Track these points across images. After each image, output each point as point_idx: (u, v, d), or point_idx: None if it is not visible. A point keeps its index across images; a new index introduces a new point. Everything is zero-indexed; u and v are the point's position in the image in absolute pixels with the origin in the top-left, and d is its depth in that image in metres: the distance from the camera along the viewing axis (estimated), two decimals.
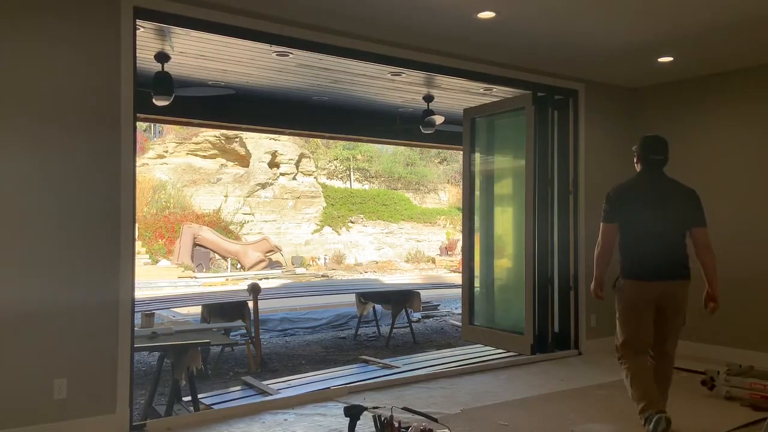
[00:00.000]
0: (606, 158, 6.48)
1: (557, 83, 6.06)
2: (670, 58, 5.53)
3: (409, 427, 2.98)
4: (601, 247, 3.89)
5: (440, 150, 24.95)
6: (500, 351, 6.12)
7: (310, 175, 24.20)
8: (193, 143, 23.15)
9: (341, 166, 26.28)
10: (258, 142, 22.72)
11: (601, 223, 3.93)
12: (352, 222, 23.76)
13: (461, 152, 7.08)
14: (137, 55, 4.00)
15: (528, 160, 5.93)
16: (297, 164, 23.73)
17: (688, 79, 6.23)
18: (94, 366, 3.74)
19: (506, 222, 6.58)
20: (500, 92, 6.61)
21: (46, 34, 3.61)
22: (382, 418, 2.96)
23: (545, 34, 4.87)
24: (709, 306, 3.82)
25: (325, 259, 21.42)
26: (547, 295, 6.00)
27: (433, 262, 22.27)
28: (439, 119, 7.55)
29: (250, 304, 6.58)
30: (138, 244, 16.69)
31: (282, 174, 23.32)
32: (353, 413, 3.05)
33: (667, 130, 6.40)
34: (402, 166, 26.90)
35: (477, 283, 6.70)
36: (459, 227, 6.64)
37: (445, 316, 9.93)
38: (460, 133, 7.06)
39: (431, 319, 9.57)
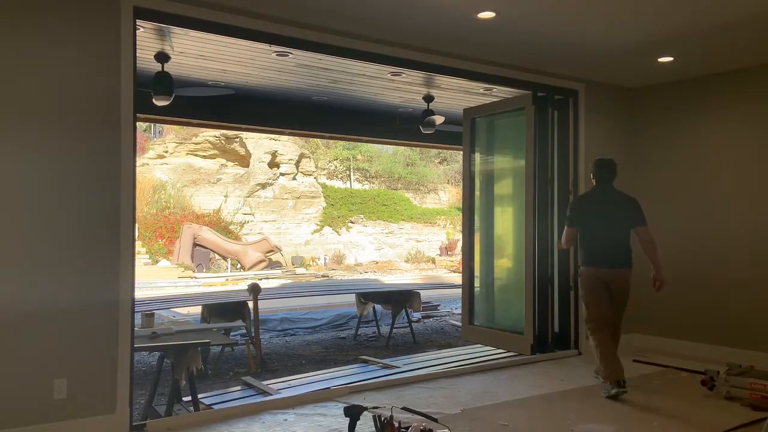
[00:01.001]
0: None
1: (557, 83, 6.06)
2: (670, 58, 5.54)
3: (409, 427, 2.98)
4: (564, 244, 5.15)
5: (440, 150, 24.94)
6: (500, 351, 6.12)
7: (310, 175, 24.20)
8: (193, 143, 23.14)
9: (341, 166, 26.28)
10: (258, 142, 22.72)
11: (565, 226, 5.06)
12: (352, 222, 23.76)
13: (461, 152, 7.07)
14: (137, 55, 4.00)
15: (528, 160, 5.94)
16: (297, 164, 23.73)
17: (688, 79, 6.23)
18: (94, 366, 3.74)
19: (506, 222, 6.59)
20: (500, 92, 6.61)
21: (46, 34, 3.61)
22: (382, 418, 2.96)
23: (545, 34, 4.87)
24: (656, 285, 4.97)
25: (325, 259, 21.42)
26: (547, 295, 6.00)
27: (433, 262, 22.27)
28: (439, 119, 7.55)
29: (250, 304, 6.58)
30: (138, 244, 16.69)
31: (282, 174, 23.32)
32: (353, 413, 3.05)
33: (667, 130, 6.44)
34: (402, 166, 26.90)
35: (477, 283, 6.70)
36: (459, 227, 6.64)
37: (445, 316, 9.93)
38: (460, 133, 7.06)
39: (431, 319, 9.57)
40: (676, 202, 6.31)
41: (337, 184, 25.64)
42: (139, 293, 5.50)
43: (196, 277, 16.45)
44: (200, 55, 5.57)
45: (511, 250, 6.44)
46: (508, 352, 6.04)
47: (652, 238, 4.89)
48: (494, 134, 6.79)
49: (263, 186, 22.89)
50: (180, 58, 5.67)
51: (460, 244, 19.88)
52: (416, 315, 9.22)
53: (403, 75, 6.07)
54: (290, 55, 5.42)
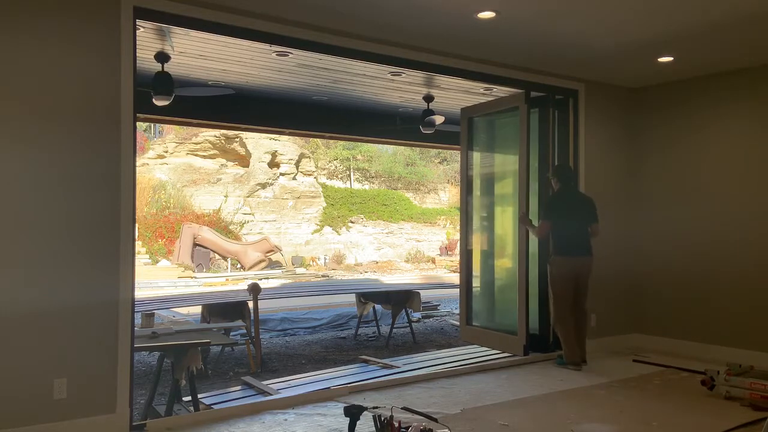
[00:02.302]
0: (606, 158, 6.49)
1: (557, 83, 6.06)
2: (670, 58, 5.54)
3: (409, 427, 2.98)
4: (540, 235, 5.72)
5: (440, 150, 24.94)
6: (500, 351, 6.11)
7: (310, 175, 24.20)
8: (193, 143, 23.15)
9: (341, 166, 26.28)
10: (258, 142, 22.72)
11: (541, 220, 5.66)
12: (352, 222, 23.76)
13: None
14: (137, 55, 4.00)
15: (521, 158, 5.86)
16: (297, 164, 23.73)
17: (688, 79, 6.23)
18: (94, 366, 3.74)
19: (504, 222, 6.57)
20: (500, 92, 6.61)
21: (46, 34, 3.60)
22: (382, 418, 2.96)
23: (545, 34, 4.87)
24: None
25: (325, 259, 21.42)
26: (546, 296, 5.99)
27: (433, 262, 22.27)
28: (439, 119, 7.55)
29: (250, 304, 6.58)
30: (138, 244, 16.70)
31: (282, 174, 23.32)
32: (353, 413, 3.05)
33: (667, 129, 6.44)
34: (402, 166, 26.90)
35: (475, 283, 6.69)
36: (458, 227, 6.66)
37: (445, 316, 9.93)
38: (459, 132, 7.06)
39: (431, 319, 9.57)
40: (676, 202, 6.32)
41: (337, 184, 25.64)
42: (139, 293, 5.51)
43: (196, 277, 16.45)
44: (200, 55, 5.57)
45: (510, 250, 6.43)
46: (504, 352, 6.02)
47: (598, 232, 5.75)
48: (491, 133, 6.77)
49: (263, 186, 22.90)
50: (180, 58, 5.67)
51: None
52: (416, 315, 9.21)
53: (403, 75, 6.07)
54: (290, 55, 5.42)
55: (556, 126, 6.21)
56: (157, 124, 22.20)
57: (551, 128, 6.15)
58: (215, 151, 23.43)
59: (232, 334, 6.96)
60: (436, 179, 27.61)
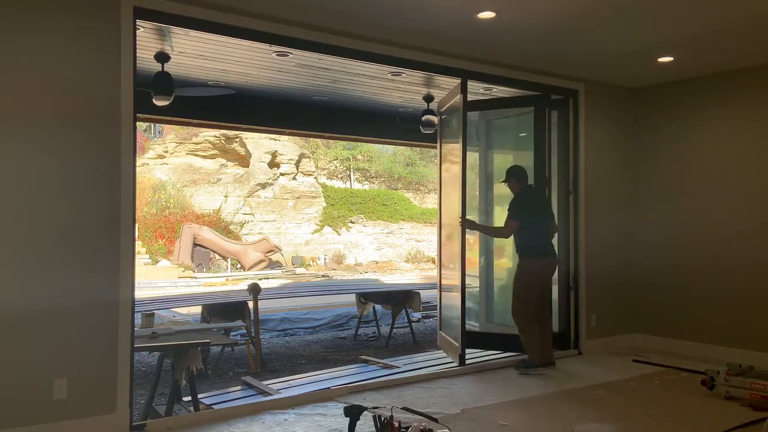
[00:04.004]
0: (606, 158, 6.49)
1: (557, 83, 6.06)
2: (670, 58, 5.54)
3: (409, 427, 2.98)
4: (504, 236, 5.63)
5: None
6: (500, 351, 6.09)
7: (310, 175, 24.20)
8: (193, 143, 23.15)
9: (341, 166, 26.28)
10: (258, 142, 22.72)
11: (511, 219, 5.41)
12: (352, 222, 23.76)
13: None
14: (137, 55, 4.00)
15: (464, 154, 5.54)
16: (297, 164, 23.73)
17: (688, 79, 6.23)
18: (94, 366, 3.74)
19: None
20: (500, 92, 6.61)
21: (45, 34, 3.60)
22: (382, 418, 2.96)
23: (545, 34, 4.87)
24: None
25: (325, 259, 21.41)
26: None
27: (433, 262, 22.26)
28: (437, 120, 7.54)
29: (250, 304, 6.57)
30: (138, 244, 16.70)
31: (282, 174, 23.32)
32: (353, 413, 3.06)
33: (667, 129, 6.44)
34: (402, 166, 26.89)
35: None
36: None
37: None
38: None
39: (431, 319, 9.57)
40: (676, 202, 6.32)
41: (337, 184, 25.64)
42: (139, 293, 5.50)
43: (196, 277, 16.44)
44: (200, 55, 5.57)
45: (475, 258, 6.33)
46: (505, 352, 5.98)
47: (553, 225, 5.72)
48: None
49: (263, 186, 22.89)
50: (180, 58, 5.67)
51: None
52: (416, 315, 9.21)
53: (403, 75, 6.07)
54: (290, 55, 5.42)
55: (553, 127, 6.16)
56: (157, 124, 22.19)
57: (548, 129, 6.06)
58: (215, 151, 23.43)
59: (232, 334, 6.96)
60: (436, 179, 27.53)
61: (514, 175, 5.57)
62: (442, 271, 6.50)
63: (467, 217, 5.55)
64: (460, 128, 5.57)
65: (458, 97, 5.61)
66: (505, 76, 5.75)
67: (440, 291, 6.53)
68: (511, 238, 5.56)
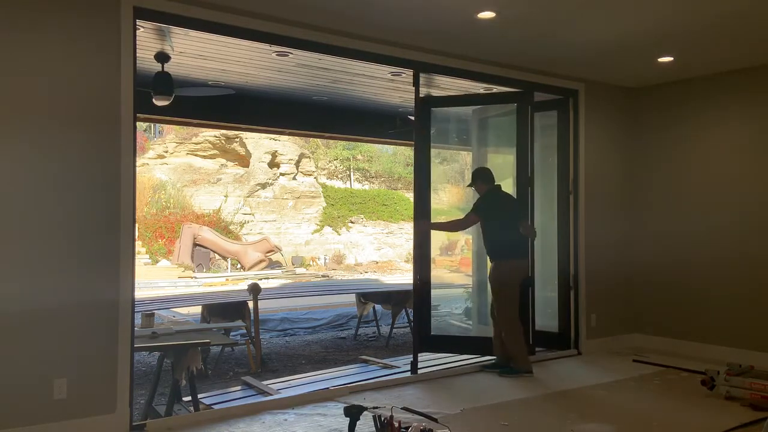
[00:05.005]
0: (606, 158, 6.49)
1: (557, 83, 6.06)
2: (670, 58, 5.54)
3: (409, 427, 2.98)
4: (460, 229, 5.75)
5: (440, 150, 24.91)
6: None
7: (310, 175, 24.19)
8: (193, 143, 23.14)
9: (341, 166, 26.28)
10: (258, 142, 22.72)
11: (471, 213, 5.41)
12: (352, 222, 23.76)
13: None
14: (137, 55, 4.00)
15: (416, 155, 5.54)
16: (297, 164, 23.72)
17: (688, 79, 6.23)
18: (94, 366, 3.74)
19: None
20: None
21: (45, 34, 3.61)
22: (382, 418, 2.96)
23: (545, 33, 4.87)
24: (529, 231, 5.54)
25: (325, 259, 21.41)
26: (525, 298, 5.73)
27: (433, 262, 22.25)
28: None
29: (250, 304, 6.58)
30: (138, 244, 16.69)
31: (282, 174, 23.31)
32: (353, 413, 3.06)
33: (668, 129, 6.44)
34: (402, 166, 26.88)
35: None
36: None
37: (445, 316, 9.92)
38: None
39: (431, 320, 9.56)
40: (675, 202, 6.32)
41: (337, 184, 25.63)
42: (139, 293, 5.50)
43: (196, 277, 16.44)
44: (200, 55, 5.57)
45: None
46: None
47: (526, 224, 5.53)
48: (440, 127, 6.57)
49: (263, 186, 22.89)
50: (180, 58, 5.67)
51: (459, 244, 19.87)
52: None
53: (403, 75, 6.07)
54: (290, 55, 5.42)
55: (526, 123, 5.86)
56: (157, 124, 22.18)
57: (531, 126, 5.84)
58: (215, 151, 23.43)
59: (232, 334, 6.96)
60: (436, 179, 27.50)
61: (479, 177, 5.51)
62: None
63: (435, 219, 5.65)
64: (419, 127, 5.50)
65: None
66: (505, 76, 5.75)
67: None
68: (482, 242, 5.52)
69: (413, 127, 5.77)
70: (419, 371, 5.41)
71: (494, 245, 5.38)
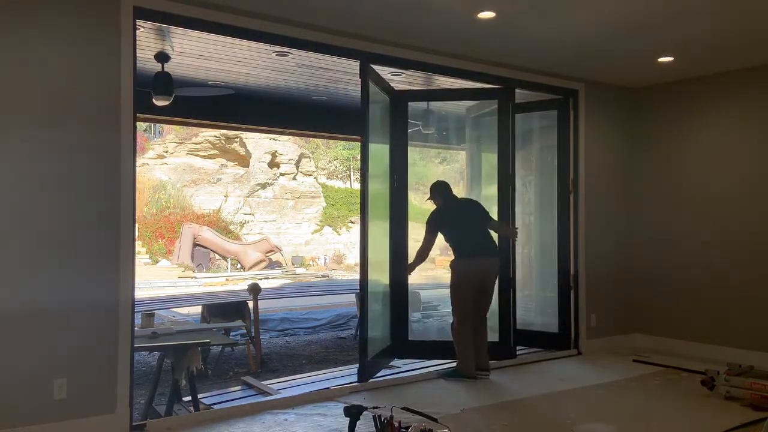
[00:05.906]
0: (606, 158, 6.49)
1: (557, 83, 6.06)
2: (670, 58, 5.53)
3: (409, 427, 2.98)
4: (423, 248, 5.40)
5: (440, 150, 24.91)
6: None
7: (310, 175, 24.20)
8: (193, 143, 23.15)
9: (341, 166, 26.28)
10: (258, 142, 22.72)
11: (426, 234, 5.36)
12: (352, 222, 23.76)
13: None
14: (137, 55, 3.99)
15: (392, 156, 5.52)
16: (297, 164, 23.73)
17: (688, 79, 6.23)
18: (94, 366, 3.74)
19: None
20: None
21: (45, 34, 3.60)
22: (382, 418, 2.96)
23: (545, 33, 4.87)
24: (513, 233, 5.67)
25: (325, 259, 21.42)
26: (508, 298, 5.76)
27: (433, 262, 22.25)
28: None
29: (250, 304, 6.58)
30: (138, 244, 16.70)
31: (282, 174, 23.32)
32: (353, 413, 3.05)
33: (668, 130, 6.44)
34: None
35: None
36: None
37: (445, 316, 9.92)
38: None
39: (431, 319, 9.57)
40: (676, 201, 6.32)
41: (337, 184, 25.63)
42: (139, 293, 5.50)
43: (196, 277, 16.45)
44: (200, 55, 5.57)
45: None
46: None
47: (501, 225, 5.59)
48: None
49: (263, 186, 22.90)
50: (180, 58, 5.67)
51: None
52: (416, 315, 9.20)
53: (403, 75, 6.07)
54: (290, 55, 5.42)
55: (508, 120, 5.81)
56: (157, 124, 22.19)
57: (511, 125, 5.79)
58: (215, 151, 23.44)
59: (232, 334, 6.96)
60: (436, 179, 27.56)
61: (436, 191, 5.52)
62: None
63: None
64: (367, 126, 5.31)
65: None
66: (506, 76, 5.74)
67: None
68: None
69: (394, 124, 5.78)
70: (419, 372, 5.40)
71: (456, 246, 5.35)
